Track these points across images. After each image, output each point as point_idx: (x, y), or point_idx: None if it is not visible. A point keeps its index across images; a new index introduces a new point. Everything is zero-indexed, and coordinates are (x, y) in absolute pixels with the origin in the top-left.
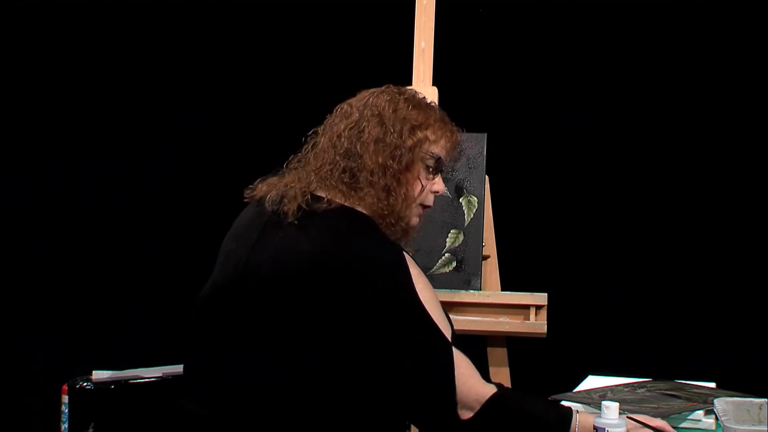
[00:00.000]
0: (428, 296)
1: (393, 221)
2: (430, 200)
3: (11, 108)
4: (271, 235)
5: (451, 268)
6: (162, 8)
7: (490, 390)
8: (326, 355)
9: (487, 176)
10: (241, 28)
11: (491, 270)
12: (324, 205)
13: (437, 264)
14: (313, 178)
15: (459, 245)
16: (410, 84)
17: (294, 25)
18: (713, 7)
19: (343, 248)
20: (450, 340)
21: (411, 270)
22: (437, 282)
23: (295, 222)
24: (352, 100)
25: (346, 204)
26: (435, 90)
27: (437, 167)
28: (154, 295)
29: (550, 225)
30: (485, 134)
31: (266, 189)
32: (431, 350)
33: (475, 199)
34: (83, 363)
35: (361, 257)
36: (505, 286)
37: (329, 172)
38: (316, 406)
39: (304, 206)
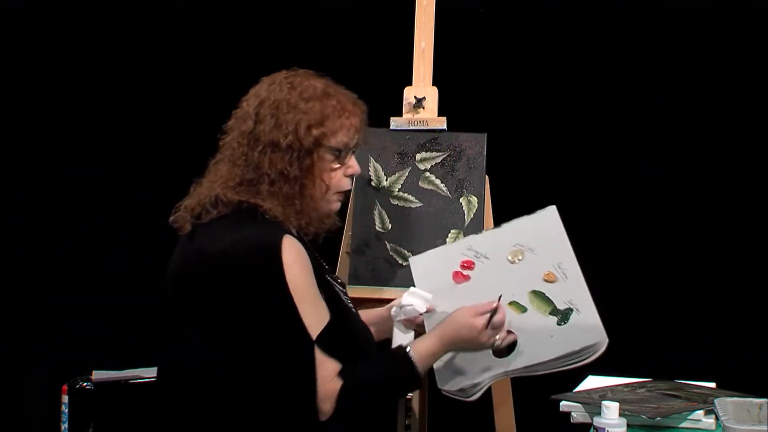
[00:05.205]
0: (301, 284)
1: (307, 221)
2: (345, 184)
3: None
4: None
5: None
6: (165, 8)
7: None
8: (212, 356)
9: (487, 176)
10: (241, 28)
11: None
12: (214, 213)
13: None
14: (217, 188)
15: None
16: (410, 84)
17: (294, 25)
18: (712, 8)
19: (212, 250)
20: (324, 330)
21: (285, 257)
22: None
23: (191, 230)
24: (250, 97)
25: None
26: (435, 90)
27: (343, 155)
28: (155, 295)
29: None
30: (485, 134)
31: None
32: (288, 352)
33: (475, 199)
34: (83, 363)
35: (226, 256)
36: None
37: (227, 184)
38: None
39: (194, 218)
